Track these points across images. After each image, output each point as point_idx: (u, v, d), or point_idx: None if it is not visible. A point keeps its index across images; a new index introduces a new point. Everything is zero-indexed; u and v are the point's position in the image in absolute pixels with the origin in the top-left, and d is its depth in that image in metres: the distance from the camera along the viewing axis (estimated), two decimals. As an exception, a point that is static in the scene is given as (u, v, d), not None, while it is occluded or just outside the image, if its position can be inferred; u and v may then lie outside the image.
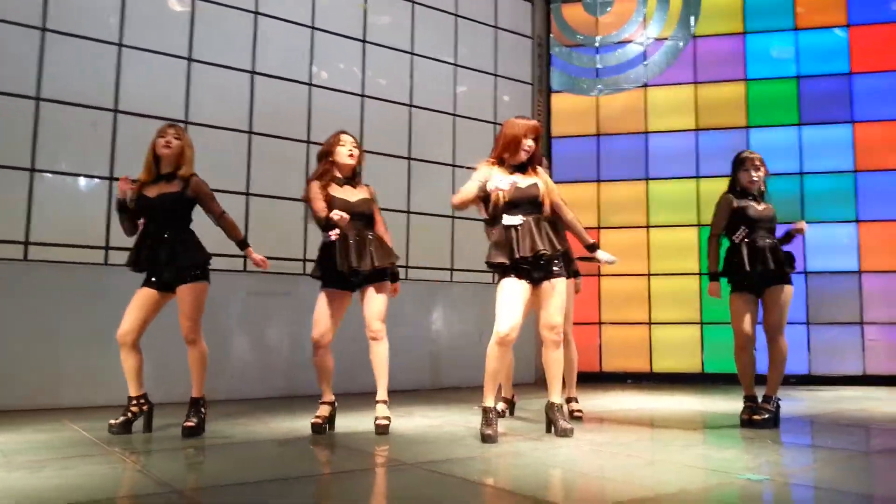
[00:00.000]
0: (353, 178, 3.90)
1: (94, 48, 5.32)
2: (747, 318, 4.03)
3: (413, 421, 4.33)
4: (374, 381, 3.84)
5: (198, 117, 5.72)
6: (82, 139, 5.25)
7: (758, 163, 4.10)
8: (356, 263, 3.67)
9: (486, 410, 3.49)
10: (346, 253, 3.66)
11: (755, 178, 4.08)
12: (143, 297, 3.68)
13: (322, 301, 3.76)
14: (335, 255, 3.66)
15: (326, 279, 3.77)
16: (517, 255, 3.47)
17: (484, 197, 3.55)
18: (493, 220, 3.60)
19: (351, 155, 3.84)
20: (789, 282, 4.03)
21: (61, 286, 5.01)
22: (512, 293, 3.49)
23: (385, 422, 3.74)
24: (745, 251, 3.99)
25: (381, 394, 3.82)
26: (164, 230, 3.69)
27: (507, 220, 3.52)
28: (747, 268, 3.95)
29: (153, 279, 3.72)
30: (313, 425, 3.73)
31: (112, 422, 3.64)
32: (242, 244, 3.89)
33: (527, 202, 3.55)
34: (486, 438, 3.40)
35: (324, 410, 3.80)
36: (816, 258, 7.13)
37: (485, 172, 3.59)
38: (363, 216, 3.82)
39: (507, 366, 4.28)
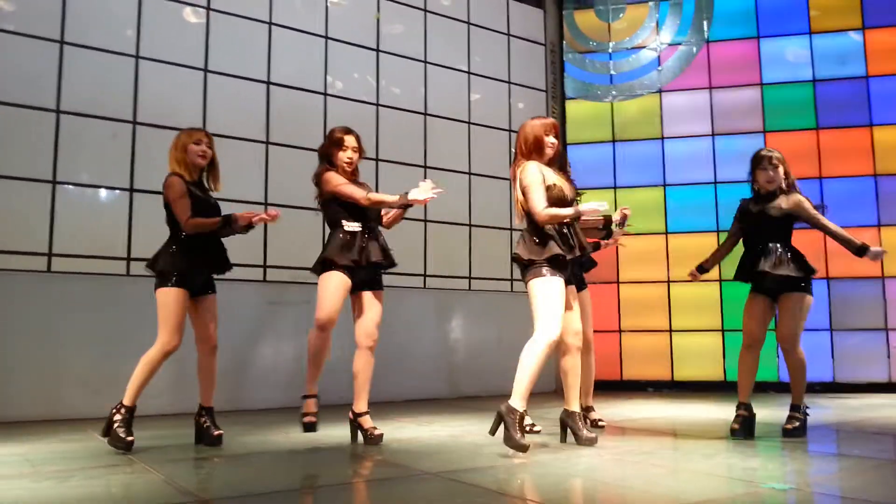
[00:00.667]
0: (353, 175, 3.88)
1: (111, 60, 5.39)
2: (756, 319, 3.96)
3: (433, 430, 4.32)
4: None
5: (214, 127, 5.74)
6: (102, 151, 5.31)
7: (775, 161, 3.94)
8: (376, 258, 3.69)
9: (522, 417, 3.31)
10: (366, 247, 3.67)
11: (773, 177, 3.94)
12: (186, 301, 3.56)
13: (338, 289, 3.65)
14: (353, 244, 3.64)
15: (341, 265, 3.66)
16: (577, 253, 3.48)
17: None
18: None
19: (349, 161, 3.80)
20: (805, 290, 3.89)
21: (84, 297, 5.06)
22: (561, 293, 3.40)
23: (380, 432, 3.72)
24: (750, 255, 3.97)
25: (366, 405, 3.76)
26: (212, 235, 3.69)
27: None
28: (740, 274, 3.99)
29: (187, 282, 3.57)
30: (309, 424, 3.66)
31: (131, 438, 3.47)
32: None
33: (570, 203, 3.57)
34: (521, 448, 3.23)
35: (315, 405, 3.75)
36: (838, 263, 7.04)
37: (539, 173, 3.53)
38: (377, 213, 3.82)
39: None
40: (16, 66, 5.02)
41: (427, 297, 6.74)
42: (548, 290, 3.38)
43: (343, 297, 3.71)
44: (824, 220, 3.94)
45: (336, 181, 3.70)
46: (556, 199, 3.48)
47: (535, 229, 3.49)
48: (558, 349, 3.65)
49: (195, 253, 3.61)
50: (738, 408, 3.93)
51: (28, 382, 4.81)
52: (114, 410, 3.49)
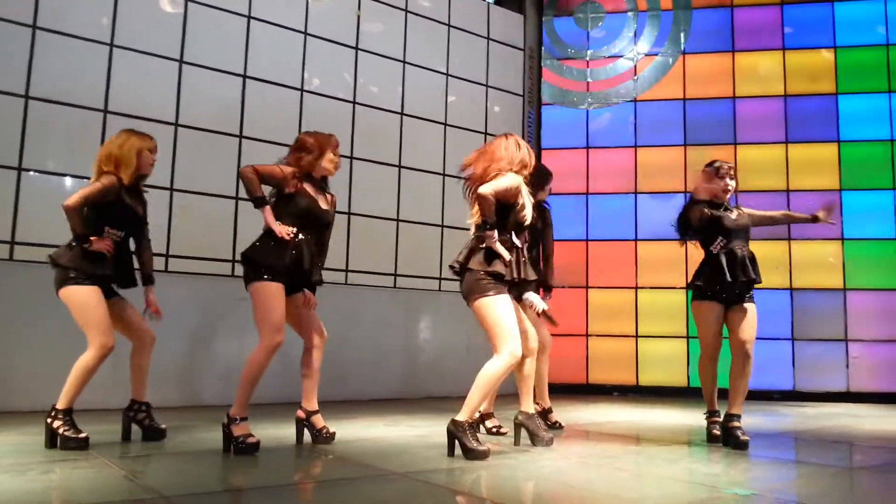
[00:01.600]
0: (324, 183, 3.72)
1: (85, 48, 5.29)
2: (718, 328, 3.94)
3: (400, 430, 4.31)
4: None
5: (188, 120, 5.70)
6: (70, 139, 5.21)
7: (733, 172, 4.03)
8: (317, 277, 3.58)
9: (472, 426, 3.33)
10: (303, 260, 3.48)
11: (730, 188, 3.99)
12: (104, 300, 3.48)
13: (280, 297, 3.43)
14: (291, 253, 3.44)
15: (279, 275, 3.44)
16: (523, 276, 3.43)
17: (500, 207, 3.40)
18: (493, 228, 3.36)
19: (337, 166, 3.69)
20: (753, 301, 3.95)
21: (47, 287, 4.92)
22: (512, 309, 3.38)
23: (333, 430, 3.72)
24: (724, 261, 3.86)
25: (316, 403, 3.70)
26: (126, 242, 3.63)
27: (517, 241, 3.47)
28: (728, 278, 3.81)
29: (101, 286, 3.48)
30: (257, 444, 3.34)
31: (84, 434, 3.37)
32: (149, 279, 3.73)
33: (524, 230, 3.56)
34: (482, 455, 3.22)
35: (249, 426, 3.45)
36: (802, 275, 7.20)
37: (517, 183, 3.43)
38: (324, 227, 3.65)
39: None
40: (-16, 48, 4.92)
41: (397, 297, 6.73)
42: (499, 309, 3.31)
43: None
44: (770, 212, 4.07)
45: (265, 170, 3.49)
46: (515, 223, 3.46)
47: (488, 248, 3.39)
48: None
49: (122, 263, 3.54)
50: (713, 415, 3.99)
51: (-14, 373, 4.71)
52: (49, 420, 3.36)
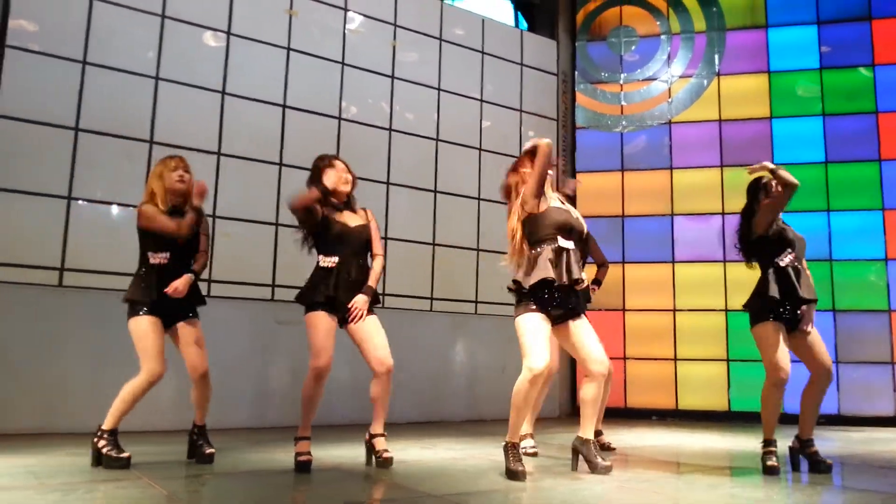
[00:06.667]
0: (348, 202, 3.76)
1: (131, 81, 5.51)
2: (787, 352, 3.63)
3: (436, 453, 4.32)
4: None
5: (231, 149, 5.87)
6: (118, 168, 5.40)
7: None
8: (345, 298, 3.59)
9: (514, 446, 3.36)
10: (349, 285, 3.56)
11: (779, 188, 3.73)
12: (159, 328, 3.58)
13: (317, 324, 3.54)
14: (332, 281, 3.54)
15: (321, 303, 3.55)
16: (564, 280, 3.36)
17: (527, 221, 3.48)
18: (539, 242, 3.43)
19: (347, 182, 3.70)
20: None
21: (95, 312, 5.11)
22: (539, 327, 3.34)
23: (391, 454, 3.70)
24: (792, 275, 3.62)
25: (382, 427, 3.72)
26: (182, 264, 3.66)
27: (563, 242, 3.44)
28: (801, 293, 3.59)
29: (156, 311, 3.58)
30: (305, 463, 3.46)
31: (127, 454, 3.45)
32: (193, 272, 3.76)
33: (571, 232, 3.52)
34: (517, 476, 3.26)
35: (309, 445, 3.56)
36: (845, 296, 7.04)
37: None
38: (363, 244, 3.69)
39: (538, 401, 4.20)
40: (39, 84, 5.15)
41: (433, 321, 6.77)
42: (528, 324, 3.34)
43: (333, 337, 3.59)
44: None
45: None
46: (561, 224, 3.46)
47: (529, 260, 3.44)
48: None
49: (162, 283, 3.57)
50: (768, 444, 3.66)
51: (37, 395, 4.86)
52: (95, 440, 3.46)
